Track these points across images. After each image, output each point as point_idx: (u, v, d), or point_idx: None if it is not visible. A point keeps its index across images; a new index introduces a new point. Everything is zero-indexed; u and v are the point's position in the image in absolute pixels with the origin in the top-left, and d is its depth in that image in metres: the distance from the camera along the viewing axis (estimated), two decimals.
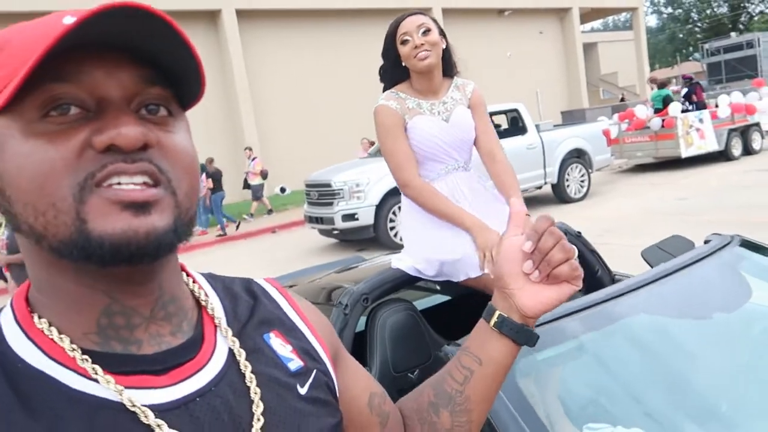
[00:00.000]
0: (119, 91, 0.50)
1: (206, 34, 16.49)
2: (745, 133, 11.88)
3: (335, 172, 8.78)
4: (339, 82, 17.81)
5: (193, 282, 0.63)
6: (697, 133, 11.20)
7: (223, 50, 16.58)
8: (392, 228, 8.26)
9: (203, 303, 0.61)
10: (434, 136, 1.93)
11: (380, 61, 2.01)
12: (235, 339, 0.59)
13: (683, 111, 11.43)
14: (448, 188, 1.95)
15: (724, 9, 44.00)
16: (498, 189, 1.98)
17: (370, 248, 8.44)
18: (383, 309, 1.83)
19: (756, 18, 43.14)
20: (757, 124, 11.97)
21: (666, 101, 11.53)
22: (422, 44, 1.86)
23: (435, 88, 1.97)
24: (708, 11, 44.70)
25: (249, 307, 0.65)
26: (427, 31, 1.88)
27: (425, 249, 1.90)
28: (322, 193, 8.54)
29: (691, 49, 46.20)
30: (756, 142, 11.99)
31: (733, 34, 36.08)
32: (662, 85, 13.10)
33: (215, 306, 0.62)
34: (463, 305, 2.37)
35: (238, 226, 12.12)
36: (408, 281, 1.94)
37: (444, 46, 1.94)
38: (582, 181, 10.17)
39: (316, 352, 0.65)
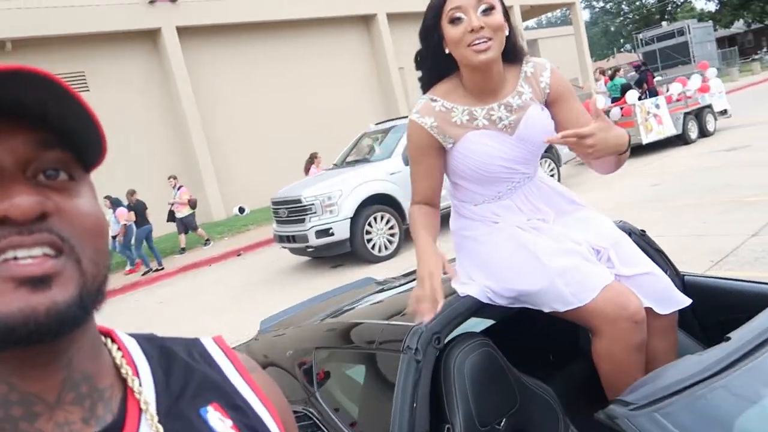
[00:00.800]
0: (11, 159, 0.46)
1: (147, 55, 15.72)
2: (699, 115, 12.15)
3: (304, 187, 8.35)
4: (291, 97, 17.28)
5: (118, 349, 0.56)
6: (655, 119, 11.36)
7: (166, 70, 15.81)
8: (369, 240, 7.92)
9: (125, 377, 0.55)
10: (493, 156, 1.51)
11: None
12: (160, 426, 0.52)
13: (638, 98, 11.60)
14: (519, 209, 1.59)
15: None
16: None
17: (346, 263, 8.09)
18: (457, 348, 1.49)
19: (680, 6, 45.13)
20: (710, 106, 12.28)
21: (624, 89, 11.66)
22: (481, 28, 1.36)
23: (494, 86, 1.49)
24: (637, 2, 46.49)
25: (185, 373, 0.58)
26: (489, 9, 1.38)
27: (498, 278, 1.55)
28: (291, 210, 8.10)
29: (622, 41, 47.95)
30: (710, 123, 12.28)
31: (663, 23, 37.64)
32: (613, 75, 13.32)
33: (143, 381, 0.55)
34: (516, 325, 2.05)
35: (160, 268, 10.96)
36: (478, 310, 1.61)
37: (507, 32, 1.44)
38: (552, 175, 10.12)
39: (264, 426, 0.58)
